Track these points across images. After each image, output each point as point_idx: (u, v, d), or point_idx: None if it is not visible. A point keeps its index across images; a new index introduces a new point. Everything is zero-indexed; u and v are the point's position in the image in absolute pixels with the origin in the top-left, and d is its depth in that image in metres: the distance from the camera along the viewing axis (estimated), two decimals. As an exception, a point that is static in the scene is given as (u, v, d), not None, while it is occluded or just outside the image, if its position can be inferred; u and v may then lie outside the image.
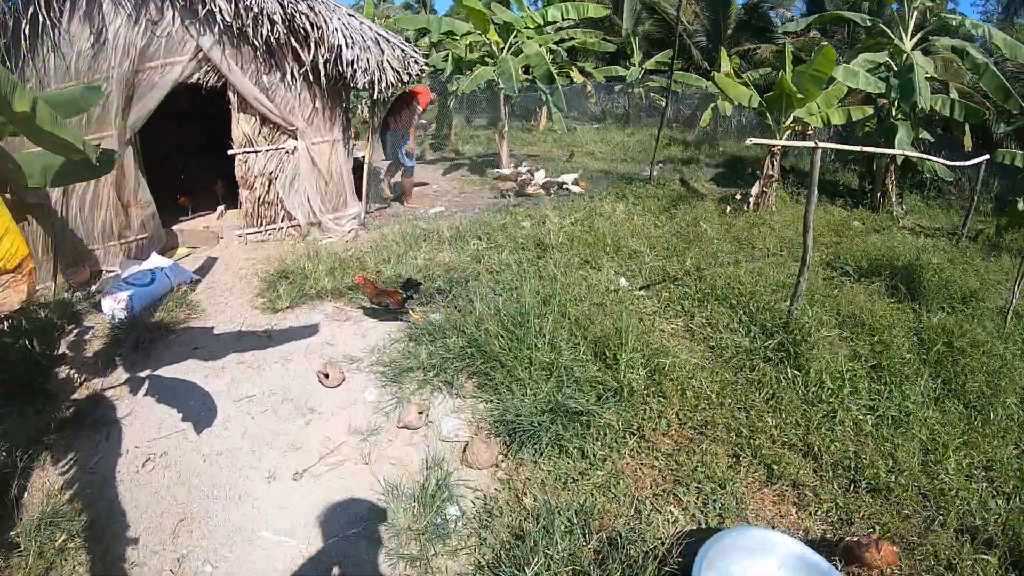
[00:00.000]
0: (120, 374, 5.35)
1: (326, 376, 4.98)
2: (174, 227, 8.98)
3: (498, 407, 4.69)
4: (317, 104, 8.12)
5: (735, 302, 6.45)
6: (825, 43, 9.95)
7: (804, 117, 9.93)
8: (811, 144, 5.54)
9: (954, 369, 5.45)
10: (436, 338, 5.50)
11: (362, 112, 17.51)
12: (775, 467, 4.25)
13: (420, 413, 4.50)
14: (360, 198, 9.08)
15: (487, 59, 12.32)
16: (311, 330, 5.95)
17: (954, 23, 10.66)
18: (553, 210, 9.40)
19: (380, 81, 7.87)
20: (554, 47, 13.35)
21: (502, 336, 5.25)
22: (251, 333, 5.93)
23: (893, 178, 11.31)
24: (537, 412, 4.49)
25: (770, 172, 10.07)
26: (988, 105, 10.56)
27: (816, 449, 4.37)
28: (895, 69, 10.56)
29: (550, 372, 4.92)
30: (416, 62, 8.23)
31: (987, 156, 9.74)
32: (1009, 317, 6.71)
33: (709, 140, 16.49)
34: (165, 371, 5.37)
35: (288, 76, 7.81)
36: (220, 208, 9.72)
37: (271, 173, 8.39)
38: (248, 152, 8.23)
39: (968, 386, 5.19)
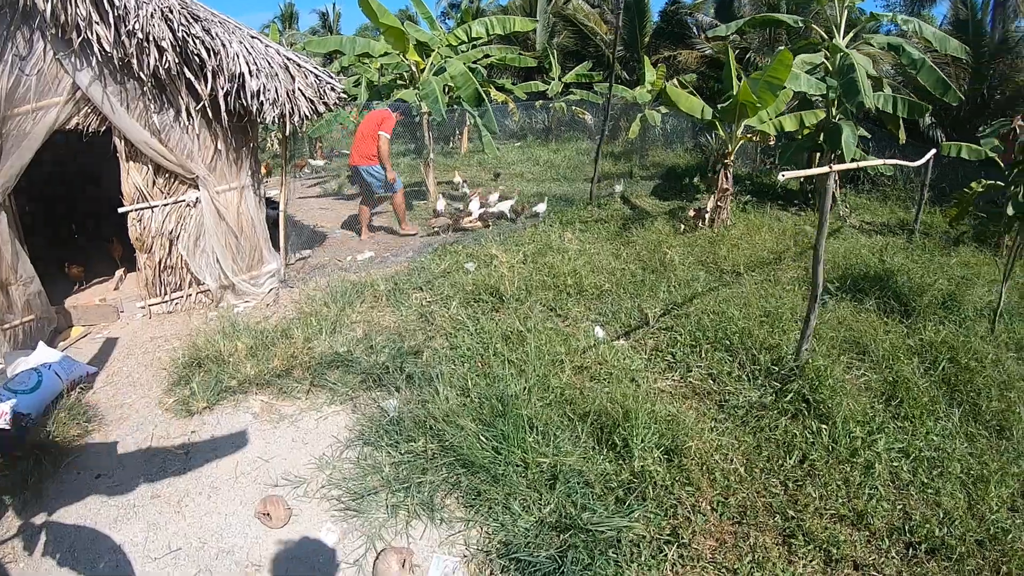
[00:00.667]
0: (9, 522, 3.98)
1: (268, 516, 3.72)
2: (66, 303, 7.41)
3: (496, 532, 3.68)
4: (219, 145, 6.81)
5: (731, 342, 5.77)
6: (766, 47, 9.45)
7: (756, 126, 9.29)
8: (825, 169, 4.94)
9: (966, 390, 5.21)
10: (398, 440, 4.42)
11: (272, 147, 15.93)
12: (832, 549, 3.61)
13: (403, 565, 3.30)
14: (278, 250, 7.72)
15: (400, 82, 11.15)
16: (238, 441, 4.71)
17: (885, 20, 10.42)
18: (498, 247, 8.32)
19: (292, 114, 6.61)
20: (473, 65, 12.33)
21: (483, 435, 4.26)
22: (164, 450, 4.62)
23: (836, 178, 10.89)
24: (546, 534, 3.56)
25: (725, 185, 9.48)
26: (925, 101, 10.24)
27: (865, 516, 3.86)
28: (831, 70, 10.33)
29: (552, 476, 3.98)
30: (333, 89, 7.03)
31: (934, 151, 9.51)
32: (996, 321, 6.54)
33: (638, 151, 15.81)
34: (64, 514, 4.05)
35: (183, 114, 6.49)
36: (119, 274, 8.15)
37: (171, 232, 7.00)
38: (142, 208, 6.80)
39: (984, 406, 4.98)
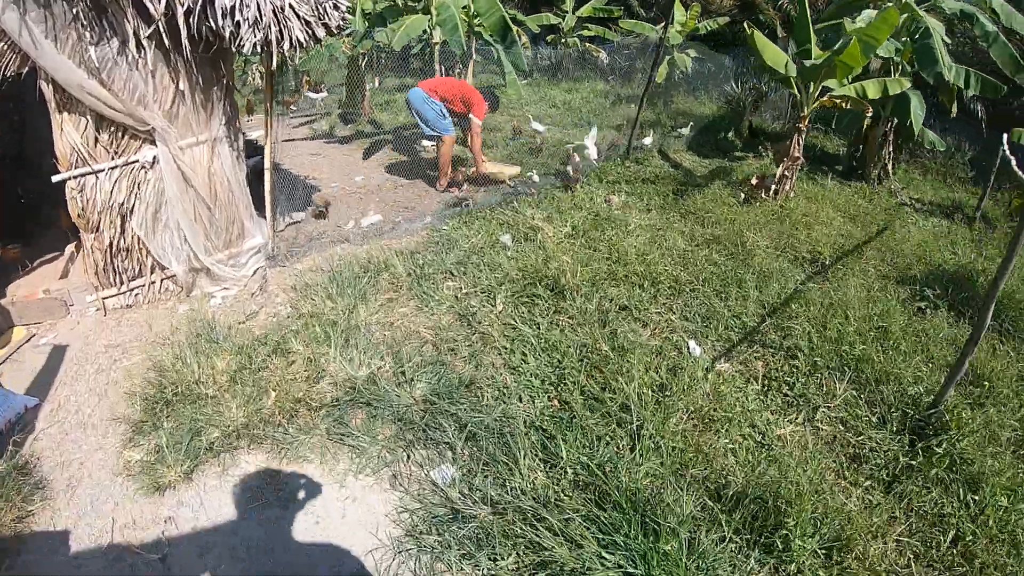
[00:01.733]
0: None
1: None
2: (2, 299, 5.67)
3: None
4: (181, 85, 5.00)
5: (851, 370, 4.55)
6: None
7: (837, 90, 7.55)
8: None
9: None
10: (474, 554, 2.93)
11: (253, 80, 13.74)
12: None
13: None
14: (266, 215, 5.92)
15: (411, 3, 9.12)
16: (230, 541, 3.10)
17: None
18: (536, 211, 6.61)
19: (280, 40, 4.74)
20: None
21: (605, 554, 2.83)
22: (131, 550, 3.08)
23: (890, 148, 9.68)
24: None
25: (796, 154, 7.85)
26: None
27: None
28: (906, 32, 8.64)
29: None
30: (336, 6, 5.12)
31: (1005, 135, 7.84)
32: None
33: (663, 97, 13.82)
34: None
35: (131, 44, 4.67)
36: (69, 251, 6.35)
37: (122, 204, 5.22)
38: (82, 174, 5.04)
39: None
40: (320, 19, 4.97)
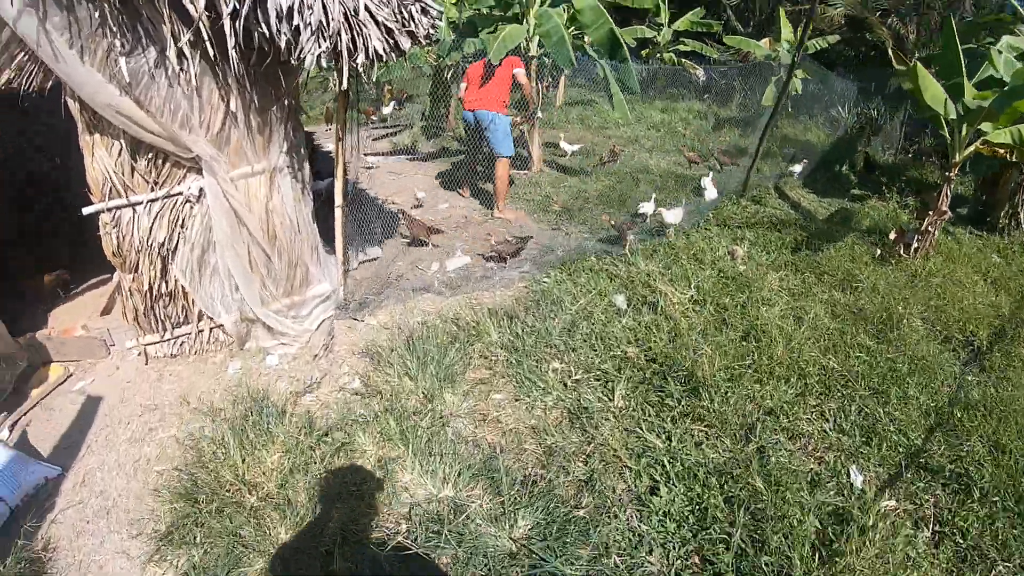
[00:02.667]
0: None
1: None
2: (41, 331, 4.80)
3: None
4: (233, 104, 3.77)
5: None
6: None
7: (992, 135, 5.65)
8: None
9: None
10: None
11: (333, 87, 12.59)
12: None
13: None
14: (336, 256, 4.67)
15: (498, 12, 7.72)
16: None
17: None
18: (652, 263, 5.13)
19: (354, 52, 3.41)
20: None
21: None
22: None
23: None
24: None
25: (943, 208, 6.03)
26: None
27: None
28: None
29: None
30: (425, 10, 3.76)
31: None
32: None
33: (770, 122, 11.91)
34: None
35: (171, 54, 3.40)
36: (116, 279, 5.28)
37: (163, 243, 3.98)
38: (116, 207, 3.84)
39: None
40: (404, 26, 3.63)
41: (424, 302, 4.76)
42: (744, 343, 4.24)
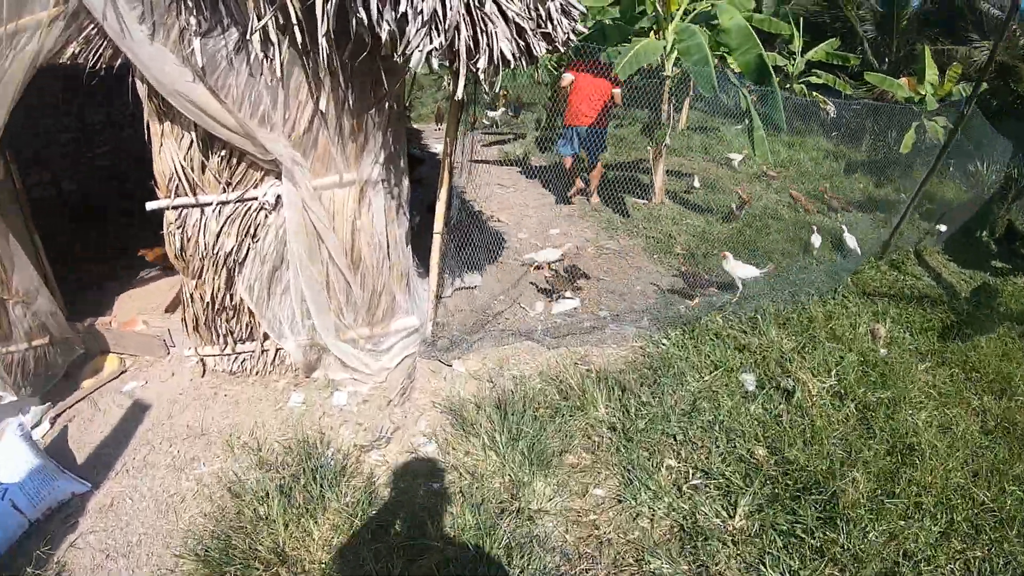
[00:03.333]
0: None
1: None
2: (102, 318, 4.32)
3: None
4: (323, 102, 2.90)
5: None
6: None
7: None
8: None
9: None
10: None
11: (447, 85, 11.74)
12: None
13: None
14: (429, 285, 3.82)
15: (623, 26, 6.66)
16: None
17: None
18: (784, 334, 3.99)
19: (474, 53, 2.49)
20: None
21: None
22: None
23: None
24: None
25: None
26: None
27: None
28: None
29: None
30: (566, 10, 2.80)
31: None
32: None
33: (902, 170, 10.12)
34: None
35: (255, 39, 2.57)
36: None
37: (230, 254, 3.22)
38: (184, 206, 3.12)
39: None
40: (540, 26, 2.70)
41: (522, 352, 3.84)
42: (888, 457, 3.09)
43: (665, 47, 6.08)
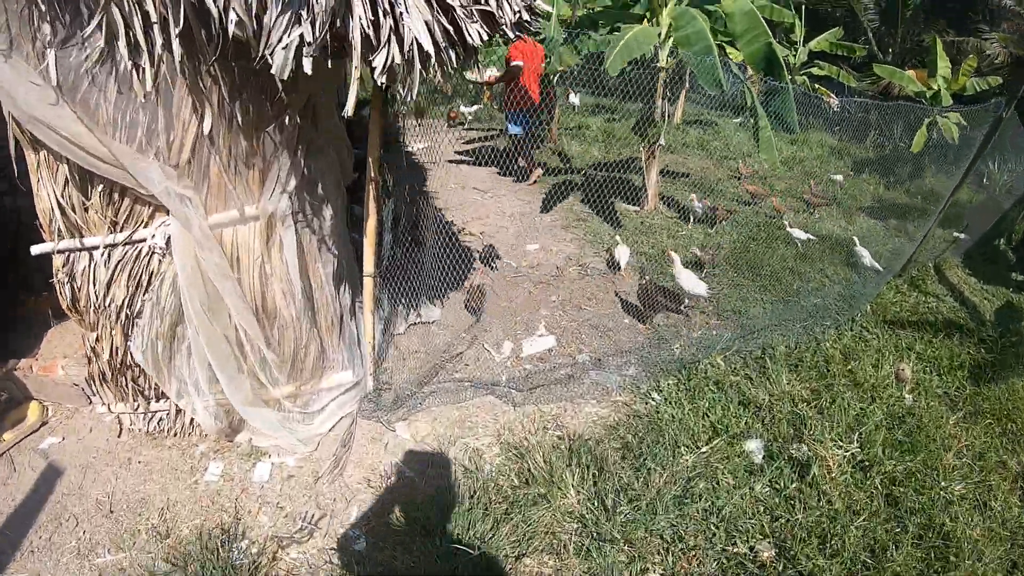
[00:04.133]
0: None
1: None
2: (25, 360, 3.72)
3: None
4: (208, 120, 2.18)
5: None
6: None
7: None
8: None
9: None
10: None
11: (434, 77, 10.72)
12: None
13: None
14: (364, 338, 3.16)
15: (612, 11, 5.93)
16: None
17: None
18: (796, 378, 3.35)
19: (386, 50, 1.79)
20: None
21: None
22: None
23: None
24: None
25: None
26: None
27: None
28: None
29: None
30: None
31: None
32: None
33: (911, 169, 9.26)
34: None
35: (120, 46, 1.92)
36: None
37: (121, 307, 2.55)
38: (68, 250, 2.43)
39: None
40: (475, 7, 2.02)
41: (482, 411, 3.20)
42: (918, 551, 2.44)
43: (660, 35, 5.35)
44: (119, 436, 3.21)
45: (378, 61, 1.78)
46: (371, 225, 2.65)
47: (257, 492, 2.87)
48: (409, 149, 8.07)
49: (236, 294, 2.61)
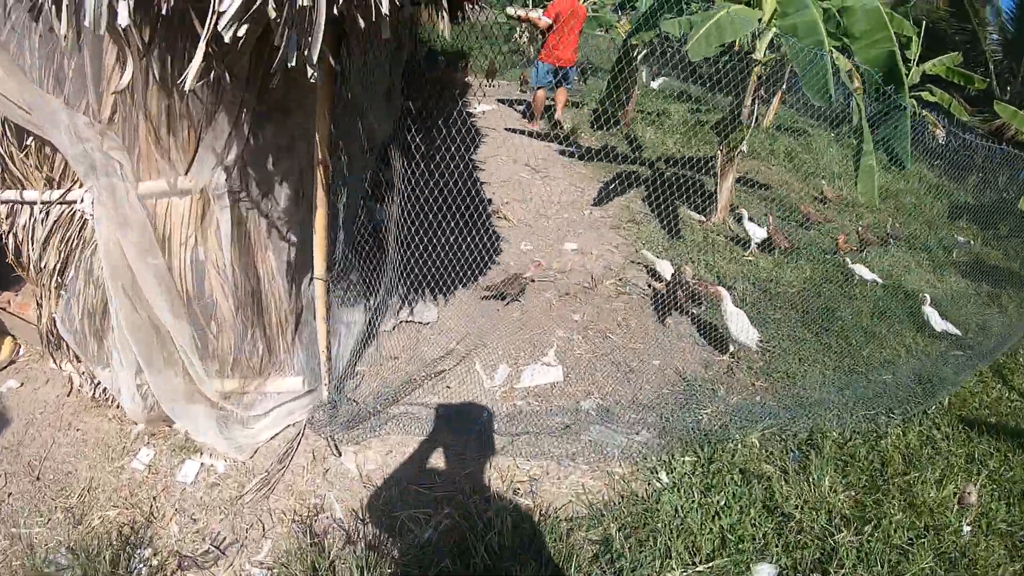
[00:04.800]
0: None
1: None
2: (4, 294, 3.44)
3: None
4: (128, 71, 1.70)
5: None
6: None
7: None
8: None
9: None
10: None
11: (521, 36, 9.90)
12: None
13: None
14: (320, 347, 2.67)
15: None
16: None
17: None
18: (841, 483, 2.65)
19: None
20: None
21: None
22: None
23: None
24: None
25: None
26: None
27: None
28: None
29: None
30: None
31: None
32: None
33: (1013, 225, 7.66)
34: None
35: None
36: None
37: (54, 272, 2.18)
38: (10, 201, 2.36)
39: None
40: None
41: (448, 452, 2.68)
42: None
43: (760, 19, 4.49)
44: (68, 395, 2.96)
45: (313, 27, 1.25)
46: (320, 219, 2.15)
47: (177, 494, 2.52)
48: (471, 110, 7.53)
49: (159, 278, 2.18)
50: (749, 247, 4.88)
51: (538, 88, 6.78)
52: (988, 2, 12.09)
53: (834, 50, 4.07)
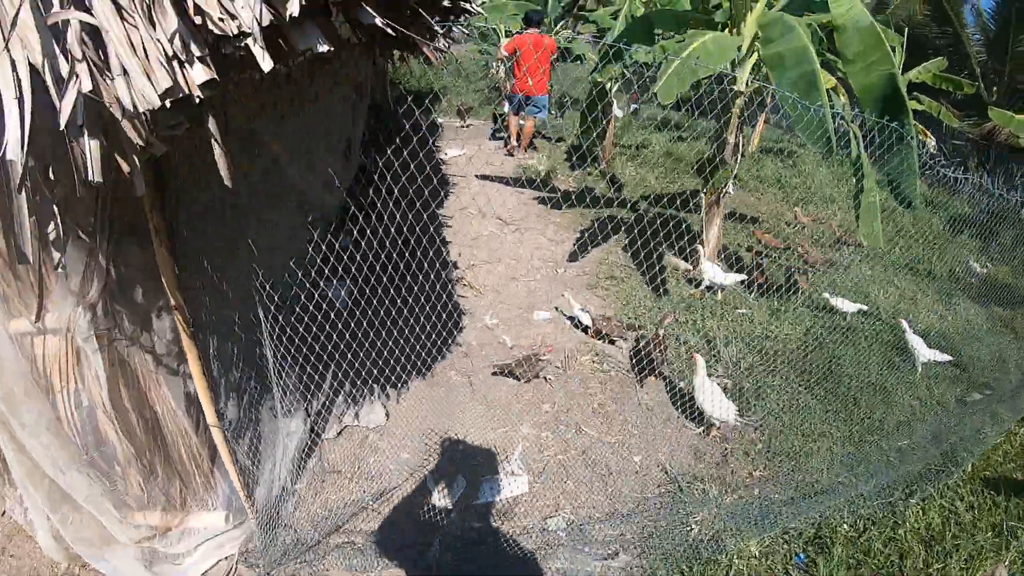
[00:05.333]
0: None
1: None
2: None
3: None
4: None
5: None
6: None
7: None
8: None
9: None
10: None
11: (496, 73, 9.67)
12: None
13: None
14: (232, 478, 2.37)
15: (680, 12, 4.76)
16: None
17: None
18: None
19: None
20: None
21: None
22: None
23: None
24: None
25: None
26: None
27: None
28: None
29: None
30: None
31: None
32: None
33: (1016, 234, 7.04)
34: None
35: None
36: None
37: None
38: None
39: None
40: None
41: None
42: None
43: (740, 47, 4.17)
44: (2, 514, 2.59)
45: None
46: (193, 366, 1.79)
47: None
48: (443, 156, 7.22)
49: (43, 425, 1.83)
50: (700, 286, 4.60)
51: (511, 114, 7.27)
52: (967, 2, 11.93)
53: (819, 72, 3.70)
